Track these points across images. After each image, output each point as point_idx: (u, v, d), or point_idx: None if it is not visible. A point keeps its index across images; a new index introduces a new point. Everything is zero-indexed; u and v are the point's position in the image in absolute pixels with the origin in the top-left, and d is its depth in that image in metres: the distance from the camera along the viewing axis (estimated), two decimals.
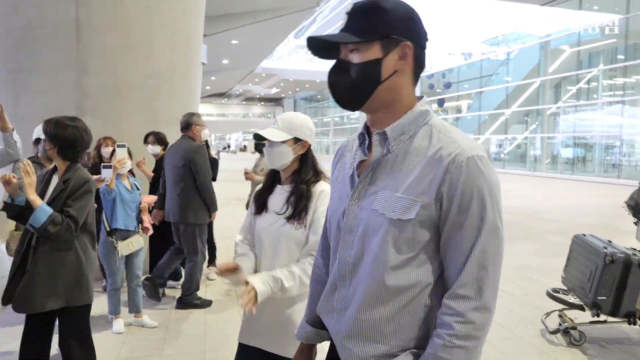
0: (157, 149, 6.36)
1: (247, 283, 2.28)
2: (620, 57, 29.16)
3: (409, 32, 1.49)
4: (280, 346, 2.51)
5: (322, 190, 2.51)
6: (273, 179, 2.63)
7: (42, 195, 3.26)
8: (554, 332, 5.07)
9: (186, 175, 5.63)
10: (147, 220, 5.29)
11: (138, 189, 5.22)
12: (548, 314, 5.36)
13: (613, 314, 4.74)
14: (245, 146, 79.67)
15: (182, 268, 6.65)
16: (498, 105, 38.10)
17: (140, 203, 5.16)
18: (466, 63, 44.01)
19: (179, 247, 5.90)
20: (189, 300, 5.80)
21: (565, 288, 5.34)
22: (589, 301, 4.77)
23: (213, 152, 6.90)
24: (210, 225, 6.62)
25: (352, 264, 1.56)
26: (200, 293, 5.97)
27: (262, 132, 2.50)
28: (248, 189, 7.76)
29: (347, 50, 1.52)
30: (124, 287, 5.34)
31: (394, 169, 1.49)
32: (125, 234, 4.97)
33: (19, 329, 3.45)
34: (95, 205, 3.54)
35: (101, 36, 6.61)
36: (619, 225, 5.89)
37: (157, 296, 5.83)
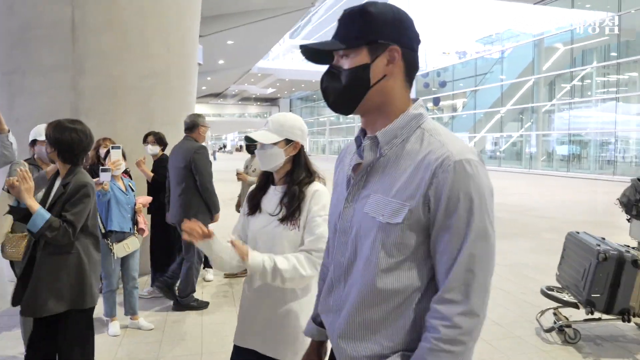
0: (157, 149, 6.35)
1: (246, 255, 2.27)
2: (613, 54, 29.21)
3: (397, 36, 1.49)
4: (275, 349, 2.50)
5: (316, 191, 2.49)
6: (266, 179, 2.62)
7: (46, 198, 3.28)
8: (548, 330, 5.07)
9: (187, 175, 5.62)
10: (143, 222, 5.27)
11: (133, 190, 5.22)
12: (543, 312, 5.36)
13: (607, 311, 4.74)
14: (241, 146, 79.57)
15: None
16: (493, 103, 38.15)
17: (135, 204, 5.15)
18: (461, 62, 44.06)
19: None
20: (186, 302, 5.79)
21: (560, 286, 5.35)
22: (583, 299, 4.76)
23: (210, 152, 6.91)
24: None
25: (347, 266, 1.58)
26: (196, 295, 5.96)
27: (253, 135, 2.49)
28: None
29: (338, 56, 1.54)
30: (120, 289, 5.34)
31: (385, 172, 1.51)
32: (121, 236, 4.96)
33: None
34: None
35: (97, 37, 6.61)
36: (615, 222, 5.91)
37: (173, 296, 5.82)
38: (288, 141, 2.51)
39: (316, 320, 1.91)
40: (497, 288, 6.57)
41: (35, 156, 4.39)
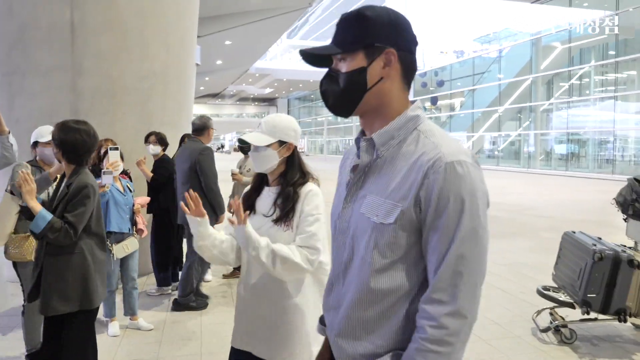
0: (158, 149, 6.35)
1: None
2: (612, 52, 29.24)
3: (393, 39, 1.51)
4: (271, 352, 2.51)
5: (310, 191, 2.50)
6: (261, 181, 2.63)
7: (53, 198, 3.32)
8: (544, 330, 5.06)
9: (192, 176, 5.63)
10: (141, 222, 5.28)
11: (131, 190, 5.22)
12: (539, 312, 5.36)
13: (603, 311, 4.72)
14: (239, 146, 79.56)
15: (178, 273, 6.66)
16: (491, 102, 38.18)
17: (133, 205, 5.16)
18: (458, 61, 44.11)
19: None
20: (185, 302, 5.80)
21: (556, 285, 5.35)
22: (579, 299, 4.76)
23: None
24: None
25: (345, 265, 1.61)
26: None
27: (246, 137, 2.50)
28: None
29: (337, 59, 1.56)
30: (119, 290, 5.34)
31: (381, 173, 1.53)
32: (120, 237, 4.96)
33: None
34: None
35: (96, 38, 6.61)
36: (614, 221, 5.92)
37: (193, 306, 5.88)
38: (281, 142, 2.51)
39: (322, 319, 1.92)
40: (496, 287, 6.58)
41: (37, 158, 4.39)
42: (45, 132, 4.28)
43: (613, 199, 5.59)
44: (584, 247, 4.85)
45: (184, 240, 6.45)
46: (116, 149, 4.85)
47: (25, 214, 3.17)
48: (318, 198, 2.50)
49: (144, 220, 5.41)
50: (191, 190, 2.46)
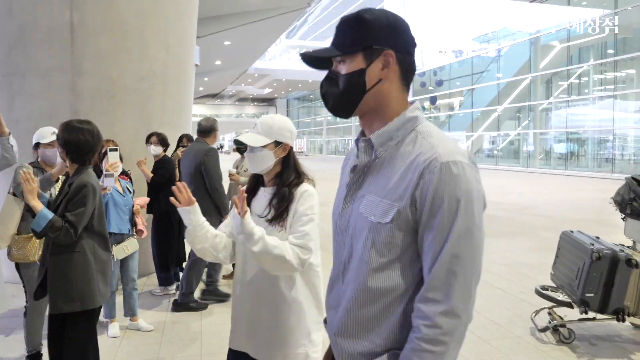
0: (159, 150, 6.34)
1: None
2: (610, 51, 29.25)
3: (392, 41, 1.53)
4: (267, 353, 2.51)
5: (305, 191, 2.50)
6: (256, 181, 2.63)
7: (57, 198, 3.35)
8: (543, 330, 5.06)
9: (197, 177, 5.65)
10: (141, 223, 5.28)
11: (130, 191, 5.21)
12: (537, 312, 5.36)
13: (601, 310, 4.72)
14: None
15: (179, 273, 6.66)
16: (490, 102, 38.20)
17: (132, 206, 5.15)
18: (457, 60, 44.12)
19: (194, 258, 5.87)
20: (185, 302, 5.80)
21: (554, 285, 5.35)
22: (577, 298, 4.75)
23: None
24: None
25: (344, 264, 1.63)
26: (195, 297, 5.97)
27: (242, 138, 2.50)
28: None
29: (336, 62, 1.58)
30: (119, 290, 5.34)
31: (380, 173, 1.55)
32: (120, 238, 4.96)
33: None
34: None
35: (95, 39, 6.61)
36: (613, 221, 5.93)
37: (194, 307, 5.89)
38: (277, 143, 2.52)
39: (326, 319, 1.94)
40: (495, 287, 6.58)
41: (39, 159, 4.39)
42: (46, 133, 4.28)
43: (611, 198, 5.59)
44: (582, 247, 4.85)
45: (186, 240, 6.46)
46: (115, 149, 4.85)
47: (32, 212, 3.20)
48: (313, 199, 2.50)
49: (144, 221, 5.41)
50: (178, 182, 2.46)
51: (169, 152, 6.66)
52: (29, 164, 4.32)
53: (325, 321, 1.90)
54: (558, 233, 5.49)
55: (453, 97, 45.00)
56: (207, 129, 5.90)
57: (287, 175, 2.54)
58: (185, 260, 6.50)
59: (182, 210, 2.44)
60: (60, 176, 4.18)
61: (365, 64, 1.53)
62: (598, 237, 5.08)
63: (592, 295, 4.67)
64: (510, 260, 8.07)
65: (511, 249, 8.94)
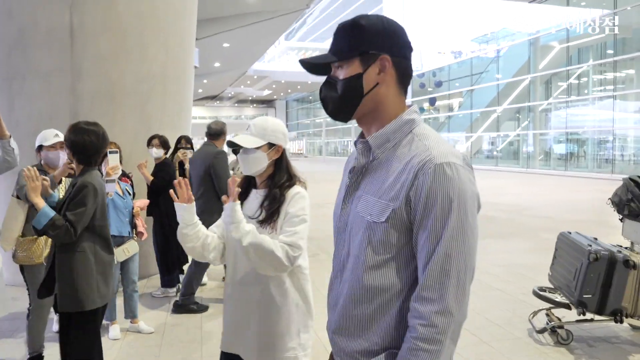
0: (161, 152, 6.36)
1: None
2: (610, 52, 29.26)
3: (387, 46, 1.57)
4: (258, 357, 2.53)
5: (297, 193, 2.53)
6: (248, 183, 2.65)
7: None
8: (540, 331, 5.07)
9: (206, 179, 5.69)
10: (141, 225, 5.29)
11: (130, 194, 5.22)
12: (535, 313, 5.37)
13: (599, 312, 4.72)
14: None
15: (179, 275, 6.67)
16: (489, 102, 38.18)
17: (132, 208, 5.16)
18: (456, 61, 44.12)
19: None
20: (186, 303, 5.81)
21: (552, 286, 5.35)
22: (574, 299, 4.75)
23: None
24: None
25: (342, 263, 1.67)
26: (195, 298, 5.97)
27: (236, 139, 2.51)
28: None
29: (335, 67, 1.63)
30: (120, 293, 5.34)
31: (376, 174, 1.59)
32: (120, 240, 4.96)
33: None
34: None
35: (95, 41, 6.63)
36: (612, 221, 5.94)
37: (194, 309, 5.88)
38: (271, 145, 2.54)
39: None
40: (495, 289, 6.59)
41: (42, 162, 4.39)
42: (49, 136, 4.29)
43: (609, 199, 5.60)
44: (580, 248, 4.85)
45: None
46: (115, 152, 4.86)
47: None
48: (304, 201, 2.52)
49: (144, 223, 5.42)
50: (180, 178, 2.48)
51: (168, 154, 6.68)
52: (32, 166, 4.34)
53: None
54: (557, 234, 5.50)
55: (452, 98, 45.01)
56: (217, 132, 5.96)
57: (279, 177, 2.57)
58: (185, 263, 6.51)
59: (178, 206, 2.46)
60: (64, 178, 4.20)
61: (362, 68, 1.57)
62: (596, 238, 5.09)
63: (590, 296, 4.67)
64: (509, 261, 8.07)
65: (510, 250, 8.95)
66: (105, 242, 3.42)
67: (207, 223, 2.55)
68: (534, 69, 34.58)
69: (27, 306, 4.41)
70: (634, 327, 5.13)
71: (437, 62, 45.38)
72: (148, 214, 6.28)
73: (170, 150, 6.68)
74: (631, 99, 28.75)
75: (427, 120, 46.58)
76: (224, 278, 7.04)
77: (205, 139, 6.06)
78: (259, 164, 2.53)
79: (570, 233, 5.27)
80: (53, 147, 4.26)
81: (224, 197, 2.37)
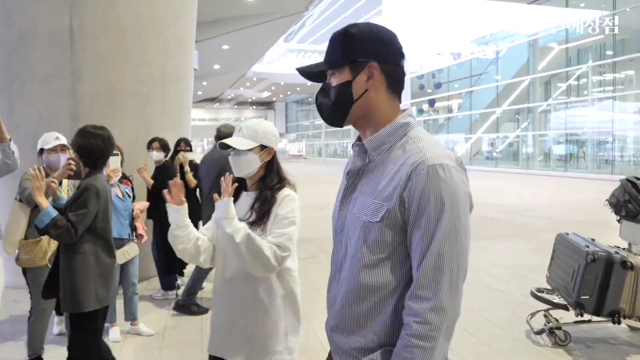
0: (161, 155, 6.37)
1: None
2: (609, 52, 29.27)
3: (375, 53, 1.63)
4: (247, 359, 2.53)
5: (287, 196, 2.54)
6: (238, 186, 2.64)
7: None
8: (538, 332, 5.07)
9: (217, 182, 5.70)
10: (141, 227, 5.29)
11: (130, 196, 5.23)
12: (533, 314, 5.37)
13: (597, 313, 4.71)
14: None
15: (178, 277, 6.68)
16: (489, 104, 38.19)
17: (132, 210, 5.17)
18: (456, 63, 44.13)
19: None
20: (188, 304, 5.82)
21: (550, 287, 5.36)
22: (572, 301, 4.75)
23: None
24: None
25: (340, 263, 1.72)
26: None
27: (228, 141, 2.53)
28: None
29: (329, 74, 1.70)
30: (120, 295, 5.35)
31: (372, 176, 1.64)
32: (120, 243, 4.96)
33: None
34: None
35: (94, 44, 6.63)
36: (613, 222, 5.94)
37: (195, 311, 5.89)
38: (262, 147, 2.56)
39: None
40: (495, 289, 6.60)
41: (44, 165, 4.41)
42: (50, 139, 4.30)
43: (606, 200, 5.61)
44: (577, 249, 4.85)
45: None
46: (116, 154, 4.87)
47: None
48: (294, 203, 2.54)
49: (144, 226, 5.42)
50: (176, 179, 2.52)
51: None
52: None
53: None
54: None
55: (452, 100, 45.02)
56: (227, 136, 5.96)
57: (270, 179, 2.59)
58: (185, 266, 6.51)
59: (170, 207, 2.49)
60: (66, 180, 4.22)
61: (352, 76, 1.63)
62: (593, 239, 5.09)
63: (588, 297, 4.67)
64: (509, 262, 8.08)
65: (511, 251, 8.96)
66: (107, 244, 3.45)
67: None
68: (533, 70, 34.60)
69: (29, 309, 4.42)
70: (631, 328, 5.14)
71: (437, 64, 45.41)
72: (148, 217, 6.29)
73: (170, 153, 6.70)
74: (630, 99, 28.77)
75: (426, 121, 46.60)
76: None
77: (214, 142, 6.08)
78: (251, 166, 2.55)
79: (567, 234, 5.28)
80: (54, 150, 4.27)
81: (215, 195, 2.39)
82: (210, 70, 36.03)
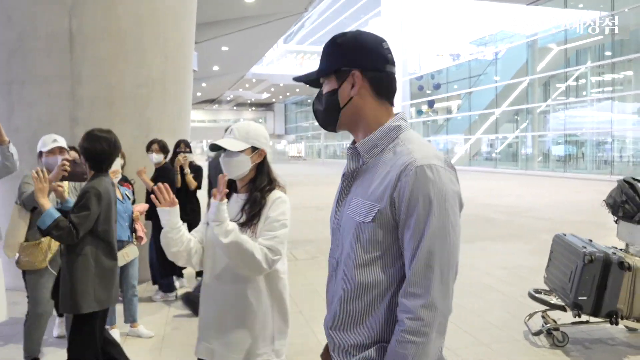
0: (161, 157, 6.37)
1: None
2: (608, 53, 29.30)
3: (358, 62, 1.68)
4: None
5: (278, 198, 2.55)
6: (228, 187, 2.64)
7: None
8: (536, 334, 5.06)
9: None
10: (141, 229, 5.30)
11: (129, 198, 5.23)
12: (531, 315, 5.37)
13: (594, 314, 4.72)
14: None
15: (174, 279, 6.67)
16: (488, 105, 38.22)
17: (132, 212, 5.17)
18: (455, 64, 44.15)
19: None
20: (196, 301, 5.83)
21: (548, 288, 5.36)
22: (570, 301, 4.75)
23: (203, 158, 6.88)
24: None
25: (337, 263, 1.77)
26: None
27: (220, 142, 2.53)
28: None
29: (322, 82, 1.78)
30: (119, 297, 5.35)
31: (365, 178, 1.69)
32: (120, 245, 4.96)
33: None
34: None
35: (94, 46, 6.64)
36: (612, 223, 5.95)
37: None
38: (254, 149, 2.57)
39: None
40: (495, 290, 6.60)
41: (43, 167, 4.41)
42: (47, 141, 4.30)
43: (603, 200, 5.61)
44: (575, 250, 4.86)
45: None
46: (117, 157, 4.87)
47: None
48: (285, 205, 2.55)
49: (143, 228, 5.43)
50: (160, 184, 2.51)
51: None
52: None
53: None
54: None
55: (451, 100, 45.06)
56: None
57: (261, 180, 2.59)
58: (184, 267, 6.51)
59: (161, 211, 2.48)
60: (66, 183, 4.23)
61: (337, 84, 1.70)
62: (591, 240, 5.09)
63: (585, 298, 4.67)
64: (509, 263, 8.08)
65: (510, 252, 8.96)
66: (109, 247, 3.48)
67: None
68: (532, 71, 34.64)
69: (25, 311, 4.42)
70: (629, 329, 5.15)
71: (436, 65, 45.43)
72: (147, 219, 6.30)
73: (170, 155, 6.70)
74: (629, 100, 28.81)
75: (425, 122, 46.62)
76: None
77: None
78: (242, 168, 2.55)
79: (565, 235, 5.28)
80: (52, 152, 4.27)
81: (214, 191, 2.40)
82: (209, 72, 36.04)
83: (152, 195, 2.50)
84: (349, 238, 1.67)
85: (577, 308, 4.70)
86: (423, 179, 1.52)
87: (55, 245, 4.25)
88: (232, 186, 2.66)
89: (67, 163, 3.66)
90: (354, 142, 1.78)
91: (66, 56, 6.53)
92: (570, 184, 24.41)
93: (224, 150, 2.54)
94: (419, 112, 46.60)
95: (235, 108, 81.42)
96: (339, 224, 1.76)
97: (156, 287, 6.60)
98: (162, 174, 6.29)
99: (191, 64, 8.53)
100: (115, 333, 5.11)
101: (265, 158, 2.63)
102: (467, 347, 4.87)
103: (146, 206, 5.90)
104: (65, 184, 4.26)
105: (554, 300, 5.12)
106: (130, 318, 5.28)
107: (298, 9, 21.58)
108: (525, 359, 4.66)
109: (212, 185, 6.22)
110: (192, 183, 6.63)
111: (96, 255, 3.38)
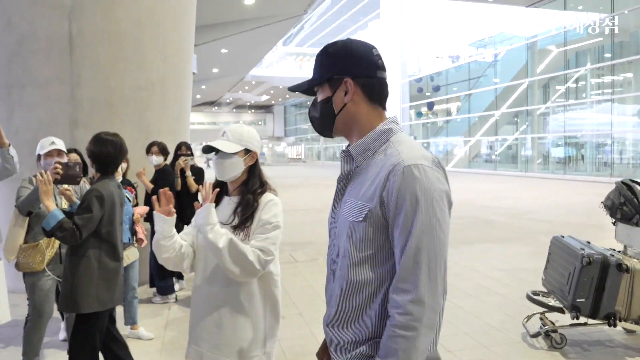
0: (160, 159, 6.38)
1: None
2: (607, 55, 29.31)
3: (349, 70, 1.75)
4: None
5: (270, 200, 2.57)
6: (220, 190, 2.65)
7: None
8: (534, 335, 5.06)
9: None
10: (141, 232, 5.30)
11: (130, 200, 5.24)
12: (529, 317, 5.38)
13: (592, 316, 4.72)
14: None
15: (174, 281, 6.68)
16: (487, 106, 38.24)
17: (132, 215, 5.18)
18: (454, 66, 44.16)
19: None
20: None
21: (546, 290, 5.37)
22: (568, 303, 4.76)
23: (202, 161, 6.88)
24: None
25: (334, 263, 1.82)
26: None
27: (214, 144, 2.53)
28: None
29: (316, 90, 1.84)
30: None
31: (358, 180, 1.75)
32: None
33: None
34: None
35: (93, 49, 6.65)
36: (611, 225, 5.95)
37: None
38: (247, 151, 2.58)
39: None
40: (495, 293, 6.61)
41: (42, 170, 4.42)
42: (45, 144, 4.31)
43: (601, 202, 5.62)
44: (573, 252, 4.86)
45: None
46: None
47: (67, 216, 3.41)
48: (277, 208, 2.56)
49: (144, 230, 5.44)
50: (167, 189, 2.53)
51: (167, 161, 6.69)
52: (34, 176, 4.37)
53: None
54: None
55: (450, 103, 45.04)
56: None
57: (252, 183, 2.61)
58: None
59: (157, 216, 2.50)
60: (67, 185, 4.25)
61: (331, 92, 1.77)
62: (589, 242, 5.10)
63: (583, 300, 4.68)
64: (509, 265, 8.09)
65: (510, 254, 8.96)
66: (112, 248, 3.51)
67: None
68: (532, 72, 34.64)
69: (26, 314, 4.42)
70: (627, 331, 5.15)
71: (435, 67, 45.46)
72: (146, 220, 6.30)
73: (170, 157, 6.71)
74: (629, 102, 28.80)
75: (425, 124, 46.62)
76: None
77: None
78: (235, 170, 2.56)
79: (563, 237, 5.29)
80: (50, 154, 4.27)
81: (195, 204, 2.44)
82: (209, 74, 36.08)
83: (154, 197, 2.51)
84: (344, 238, 1.72)
85: (575, 310, 4.70)
86: (410, 178, 1.57)
87: (53, 248, 4.26)
88: (223, 189, 2.67)
89: (59, 166, 3.67)
90: (348, 146, 1.83)
91: (66, 59, 6.55)
92: (570, 186, 24.41)
93: (217, 152, 2.55)
94: (419, 114, 46.60)
95: (234, 110, 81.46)
96: (335, 225, 1.81)
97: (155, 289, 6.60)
98: (162, 176, 6.30)
99: (191, 67, 8.54)
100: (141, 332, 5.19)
101: (257, 161, 2.65)
102: (466, 348, 4.88)
103: (147, 209, 5.91)
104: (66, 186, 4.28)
105: (552, 302, 5.12)
106: (131, 320, 5.29)
107: (297, 12, 21.63)
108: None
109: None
110: (193, 186, 6.63)
111: (99, 256, 3.42)
